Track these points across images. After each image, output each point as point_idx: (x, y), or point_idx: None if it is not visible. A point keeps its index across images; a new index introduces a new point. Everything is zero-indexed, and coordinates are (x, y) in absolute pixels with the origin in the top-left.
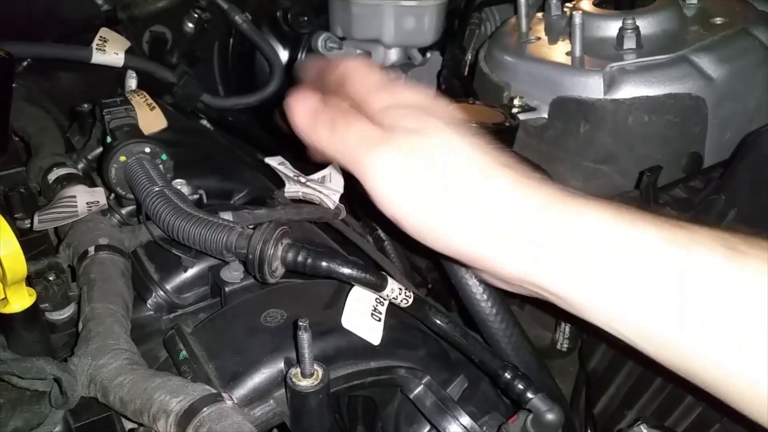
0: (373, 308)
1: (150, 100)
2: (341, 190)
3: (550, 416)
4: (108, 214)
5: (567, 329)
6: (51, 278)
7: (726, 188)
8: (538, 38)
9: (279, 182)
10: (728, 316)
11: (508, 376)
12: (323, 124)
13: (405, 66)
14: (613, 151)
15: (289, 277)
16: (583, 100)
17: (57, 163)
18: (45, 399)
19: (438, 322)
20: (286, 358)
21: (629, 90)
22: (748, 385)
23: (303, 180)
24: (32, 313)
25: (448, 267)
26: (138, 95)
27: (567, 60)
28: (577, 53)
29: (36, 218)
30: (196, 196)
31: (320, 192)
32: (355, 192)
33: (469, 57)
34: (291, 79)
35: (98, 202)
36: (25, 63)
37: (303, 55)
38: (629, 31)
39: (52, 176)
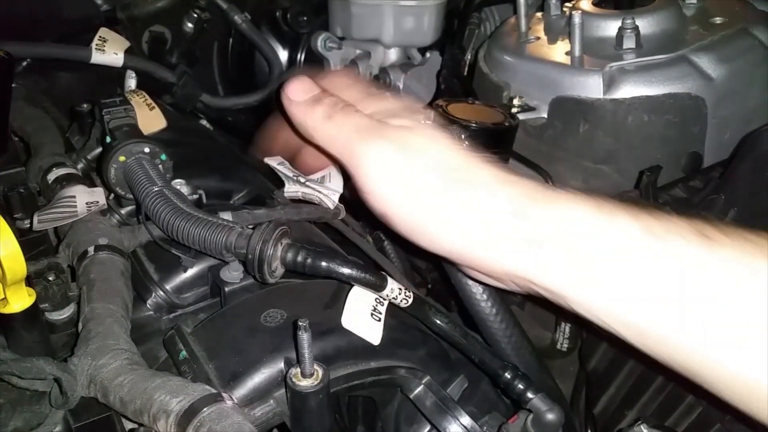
0: (372, 308)
1: (149, 100)
2: (341, 190)
3: (550, 416)
4: (107, 214)
5: (567, 329)
6: (51, 278)
7: (726, 188)
8: (538, 38)
9: (279, 182)
10: (725, 313)
11: (509, 376)
12: (321, 110)
13: (404, 66)
14: (613, 151)
15: (288, 277)
16: (583, 99)
17: (56, 163)
18: (45, 399)
19: (438, 322)
20: (286, 358)
21: (629, 90)
22: (731, 376)
23: (302, 180)
24: (32, 313)
25: (447, 267)
26: (137, 95)
27: (566, 60)
28: (577, 53)
29: (35, 218)
30: (195, 196)
31: (320, 192)
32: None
33: (469, 57)
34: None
35: (98, 202)
36: (24, 63)
37: (302, 55)
38: (629, 30)
39: (51, 176)
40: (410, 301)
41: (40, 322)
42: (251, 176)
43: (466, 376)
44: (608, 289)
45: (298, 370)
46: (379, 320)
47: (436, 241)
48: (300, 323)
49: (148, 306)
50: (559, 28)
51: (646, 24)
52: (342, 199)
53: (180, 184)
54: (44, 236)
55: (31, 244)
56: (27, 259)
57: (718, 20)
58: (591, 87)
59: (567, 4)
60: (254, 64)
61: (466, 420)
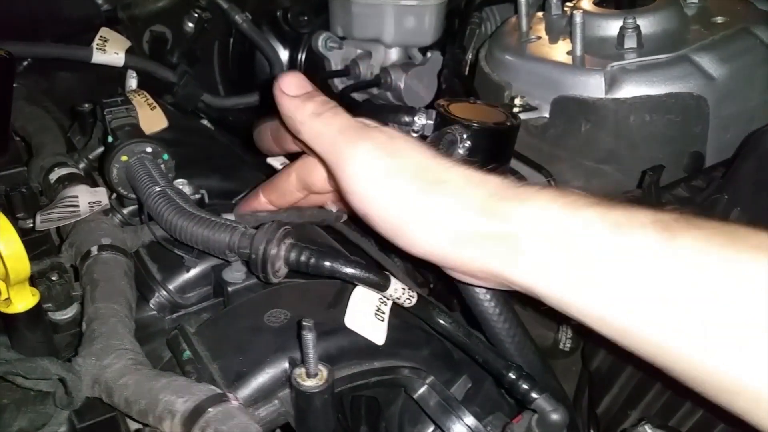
0: (376, 308)
1: (151, 100)
2: None
3: (555, 416)
4: (109, 214)
5: (569, 329)
6: (54, 278)
7: (729, 187)
8: (539, 37)
9: None
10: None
11: (513, 376)
12: (311, 106)
13: (405, 65)
14: (615, 151)
15: (291, 277)
16: (584, 99)
17: (58, 162)
18: (49, 399)
19: (442, 322)
20: (290, 358)
21: (630, 89)
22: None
23: None
24: (35, 313)
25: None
26: (139, 95)
27: (568, 59)
28: (578, 52)
29: (38, 218)
30: (197, 196)
31: None
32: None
33: (470, 56)
34: None
35: (100, 202)
36: (25, 63)
37: (303, 55)
38: (630, 30)
39: (53, 176)
40: (414, 300)
41: (44, 322)
42: (253, 176)
43: (469, 376)
44: (577, 284)
45: (303, 370)
46: (383, 320)
47: (413, 242)
48: (305, 323)
49: (151, 306)
50: (560, 27)
51: (647, 23)
52: None
53: (182, 184)
54: (47, 236)
55: (34, 243)
56: (30, 259)
57: (719, 20)
58: (592, 87)
59: (568, 4)
60: (255, 63)
61: (470, 420)
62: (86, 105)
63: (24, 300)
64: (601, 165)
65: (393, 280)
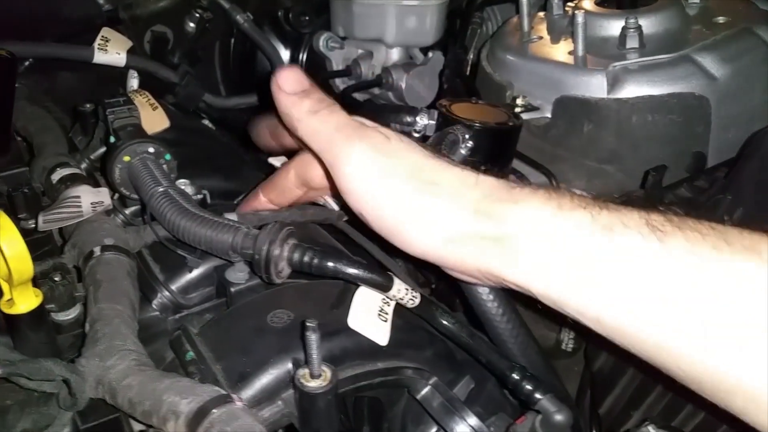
0: (379, 309)
1: (152, 100)
2: None
3: (559, 417)
4: (112, 215)
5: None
6: (57, 279)
7: (732, 187)
8: (540, 38)
9: None
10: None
11: (517, 377)
12: (308, 103)
13: (407, 65)
14: (617, 151)
15: (294, 277)
16: (586, 99)
17: (60, 163)
18: (53, 400)
19: (445, 322)
20: (293, 359)
21: (632, 89)
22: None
23: None
24: (38, 314)
25: None
26: (140, 95)
27: (569, 59)
28: (580, 52)
29: (41, 218)
30: (200, 196)
31: None
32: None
33: (471, 56)
34: None
35: (103, 202)
36: (26, 63)
37: (304, 55)
38: (632, 30)
39: (55, 176)
40: (417, 301)
41: (47, 323)
42: (255, 176)
43: (472, 376)
44: (577, 283)
45: (307, 371)
46: (386, 321)
47: (409, 242)
48: (308, 324)
49: (153, 306)
50: (561, 27)
51: (649, 23)
52: None
53: (184, 184)
54: (49, 236)
55: (36, 244)
56: (32, 260)
57: (721, 20)
58: (594, 87)
59: (569, 4)
60: (256, 63)
61: (473, 420)
62: (88, 105)
63: (27, 301)
64: (604, 165)
65: (396, 280)
